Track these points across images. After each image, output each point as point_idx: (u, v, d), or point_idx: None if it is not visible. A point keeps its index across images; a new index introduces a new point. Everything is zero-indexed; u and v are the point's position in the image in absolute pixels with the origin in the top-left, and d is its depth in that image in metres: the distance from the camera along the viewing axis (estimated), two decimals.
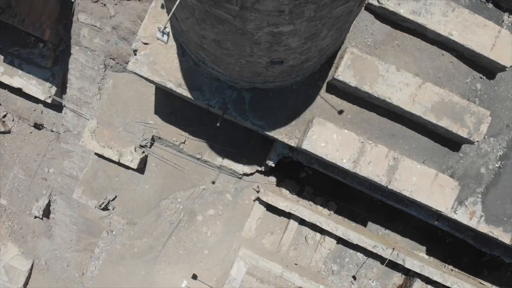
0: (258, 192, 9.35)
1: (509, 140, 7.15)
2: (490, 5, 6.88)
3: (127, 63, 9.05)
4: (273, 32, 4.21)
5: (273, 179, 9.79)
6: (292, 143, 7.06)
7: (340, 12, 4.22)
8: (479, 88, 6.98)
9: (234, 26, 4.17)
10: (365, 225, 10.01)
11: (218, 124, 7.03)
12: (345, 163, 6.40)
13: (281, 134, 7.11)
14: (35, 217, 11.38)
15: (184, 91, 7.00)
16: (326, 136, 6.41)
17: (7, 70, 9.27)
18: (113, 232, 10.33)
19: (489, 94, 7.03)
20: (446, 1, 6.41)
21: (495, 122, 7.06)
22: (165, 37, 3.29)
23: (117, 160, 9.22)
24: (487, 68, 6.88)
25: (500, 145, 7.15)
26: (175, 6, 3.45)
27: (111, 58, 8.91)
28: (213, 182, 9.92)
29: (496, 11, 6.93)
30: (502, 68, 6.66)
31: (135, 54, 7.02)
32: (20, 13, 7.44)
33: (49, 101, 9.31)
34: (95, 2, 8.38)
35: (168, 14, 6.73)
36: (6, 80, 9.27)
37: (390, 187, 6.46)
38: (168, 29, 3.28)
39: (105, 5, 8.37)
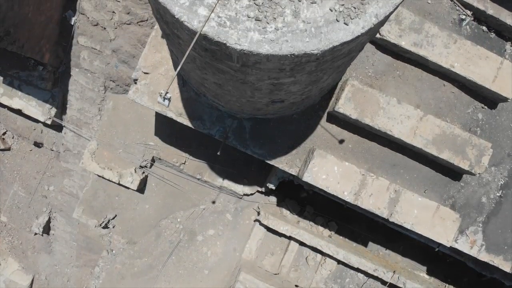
0: (258, 214, 9.34)
1: (510, 169, 7.13)
2: (493, 35, 6.84)
3: (127, 85, 9.03)
4: (273, 83, 4.19)
5: (273, 199, 9.78)
6: (293, 171, 7.03)
7: (341, 62, 4.20)
8: (480, 118, 6.95)
9: (235, 77, 4.15)
10: (366, 245, 10.02)
11: (218, 153, 7.02)
12: (346, 196, 6.38)
13: (281, 163, 7.08)
14: (35, 233, 11.39)
15: (185, 121, 6.97)
16: (327, 168, 6.39)
17: (6, 91, 9.23)
18: (113, 251, 10.32)
19: (490, 124, 7.00)
20: (448, 33, 6.37)
21: (496, 151, 7.04)
22: (166, 101, 3.27)
23: (117, 182, 9.21)
24: (488, 98, 6.86)
25: (502, 174, 7.13)
26: (181, 64, 3.42)
27: (111, 80, 8.87)
28: (213, 202, 9.92)
29: (499, 41, 6.90)
30: (504, 99, 6.63)
31: (135, 83, 6.99)
32: (19, 39, 7.40)
33: (49, 122, 9.28)
34: (94, 25, 8.34)
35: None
36: (6, 101, 9.24)
37: (391, 219, 6.44)
38: (170, 95, 3.26)
39: (105, 28, 8.33)
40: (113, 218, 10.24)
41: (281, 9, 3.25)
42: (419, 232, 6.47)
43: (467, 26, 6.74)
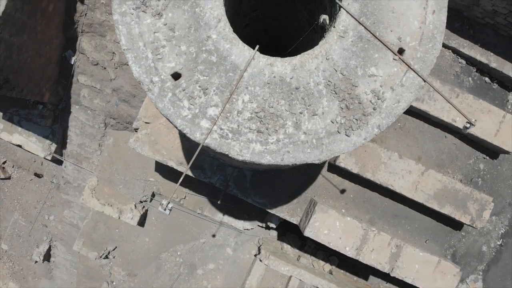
0: (259, 251, 9.33)
1: (511, 218, 7.13)
2: (495, 85, 6.80)
3: (128, 122, 8.99)
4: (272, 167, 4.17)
5: (274, 233, 9.78)
6: (294, 221, 7.03)
7: None
8: (482, 168, 6.93)
9: (235, 161, 4.13)
10: (366, 278, 10.02)
11: (219, 202, 7.01)
12: (348, 252, 6.38)
13: (282, 212, 7.07)
14: (36, 261, 11.40)
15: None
16: (329, 223, 6.38)
17: (6, 127, 9.20)
18: (114, 283, 10.34)
19: (492, 174, 6.98)
20: (450, 87, 6.34)
21: (497, 201, 7.03)
22: (167, 211, 3.26)
23: (117, 218, 9.20)
24: (490, 149, 6.83)
25: (502, 223, 7.12)
26: (192, 159, 3.39)
27: (111, 118, 8.84)
28: (214, 236, 9.91)
29: (501, 91, 6.86)
30: (506, 152, 6.60)
31: (135, 131, 6.96)
32: (18, 85, 7.36)
33: (49, 158, 9.26)
34: (95, 65, 8.29)
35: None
36: (6, 137, 9.21)
37: (392, 274, 6.44)
38: (171, 205, 3.24)
39: (105, 68, 8.28)
40: (113, 250, 10.24)
41: (282, 121, 3.22)
42: (420, 287, 6.47)
43: (470, 78, 6.71)
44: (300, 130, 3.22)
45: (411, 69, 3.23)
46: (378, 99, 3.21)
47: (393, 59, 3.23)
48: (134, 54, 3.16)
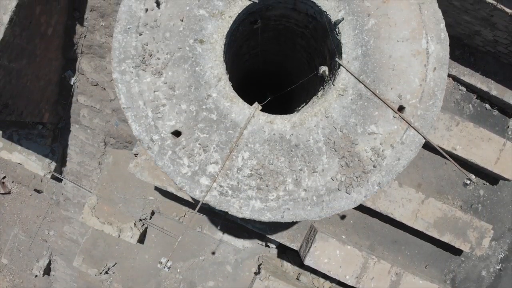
0: (259, 269, 9.34)
1: (510, 243, 7.12)
2: (496, 112, 6.79)
3: (127, 142, 8.98)
4: None
5: (274, 250, 9.79)
6: (294, 246, 7.03)
7: None
8: (482, 194, 6.92)
9: None
10: None
11: (218, 228, 7.01)
12: (348, 280, 6.38)
13: (282, 238, 7.08)
14: (36, 276, 11.42)
15: (185, 195, 6.96)
16: (329, 252, 6.38)
17: (5, 145, 9.19)
18: None
19: (492, 200, 6.98)
20: (450, 115, 6.33)
21: (497, 226, 7.03)
22: (166, 269, 3.26)
23: (117, 236, 9.20)
24: (490, 175, 6.82)
25: (502, 248, 7.12)
26: (197, 207, 3.37)
27: (111, 137, 8.83)
28: (213, 253, 9.92)
29: (502, 117, 6.85)
30: (506, 179, 6.59)
31: (135, 156, 6.96)
32: (17, 108, 7.35)
33: (48, 176, 9.25)
34: (94, 85, 8.28)
35: None
36: (5, 155, 9.19)
37: None
38: (170, 263, 3.24)
39: (104, 89, 8.27)
40: (113, 266, 10.25)
41: (282, 178, 3.22)
42: None
43: (470, 105, 6.70)
44: (300, 187, 3.22)
45: (412, 127, 3.22)
46: (378, 156, 3.20)
47: (393, 116, 3.22)
48: (134, 113, 3.15)
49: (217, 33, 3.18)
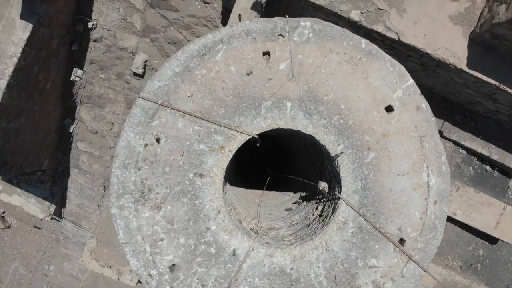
0: None
1: None
2: (496, 173, 6.77)
3: None
4: None
5: None
6: None
7: None
8: (481, 254, 6.92)
9: None
10: None
11: None
12: None
13: None
14: None
15: None
16: None
17: (5, 188, 9.18)
18: None
19: (491, 259, 6.98)
20: (450, 181, 6.30)
21: (496, 284, 7.03)
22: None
23: (116, 280, 9.22)
24: (490, 236, 6.82)
25: None
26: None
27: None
28: None
29: (502, 178, 6.83)
30: (506, 243, 6.59)
31: None
32: (16, 163, 7.33)
33: (48, 219, 9.25)
34: (94, 133, 8.25)
35: None
36: (5, 198, 9.19)
37: None
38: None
39: (104, 136, 8.24)
40: None
41: None
42: None
43: (470, 167, 6.68)
44: None
45: (412, 260, 3.20)
46: None
47: (394, 249, 3.20)
48: (132, 248, 3.13)
49: (217, 166, 3.16)
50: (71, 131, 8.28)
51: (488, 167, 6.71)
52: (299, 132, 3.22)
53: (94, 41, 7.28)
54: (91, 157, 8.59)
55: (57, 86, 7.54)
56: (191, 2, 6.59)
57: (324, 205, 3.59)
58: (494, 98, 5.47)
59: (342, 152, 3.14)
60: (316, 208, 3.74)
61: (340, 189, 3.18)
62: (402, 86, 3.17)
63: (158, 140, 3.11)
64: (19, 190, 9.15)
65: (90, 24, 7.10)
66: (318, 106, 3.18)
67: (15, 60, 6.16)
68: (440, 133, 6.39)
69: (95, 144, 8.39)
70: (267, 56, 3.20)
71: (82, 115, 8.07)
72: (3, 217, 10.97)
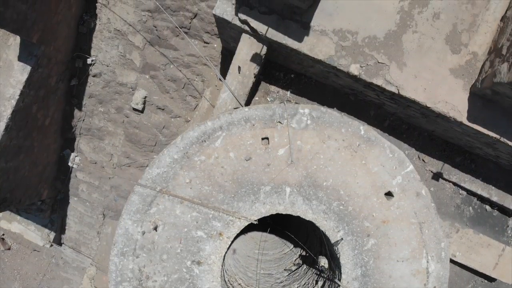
0: None
1: None
2: (496, 212, 6.76)
3: None
4: None
5: None
6: None
7: None
8: None
9: None
10: None
11: None
12: None
13: None
14: None
15: None
16: None
17: (5, 215, 9.18)
18: None
19: None
20: (450, 222, 6.31)
21: None
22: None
23: None
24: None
25: None
26: None
27: (110, 210, 8.81)
28: None
29: (502, 217, 6.82)
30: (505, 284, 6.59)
31: None
32: (15, 198, 7.32)
33: (48, 246, 9.25)
34: (93, 163, 8.24)
35: None
36: (5, 225, 9.20)
37: None
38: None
39: (103, 167, 8.23)
40: None
41: None
42: None
43: (470, 207, 6.67)
44: None
45: None
46: None
47: None
48: None
49: (215, 254, 3.14)
50: (70, 164, 8.26)
51: (488, 207, 6.70)
52: (298, 217, 3.21)
53: (93, 76, 7.24)
54: (90, 187, 8.58)
55: (56, 120, 7.52)
56: (191, 41, 6.56)
57: (324, 283, 3.58)
58: (494, 147, 5.45)
59: (342, 239, 3.12)
60: (316, 282, 3.74)
61: (340, 275, 3.16)
62: (401, 172, 3.16)
63: (155, 228, 3.10)
64: (18, 217, 9.16)
65: (89, 60, 7.07)
66: (318, 191, 3.16)
67: (13, 102, 6.13)
68: (440, 175, 6.38)
69: (94, 174, 8.38)
70: (266, 141, 3.18)
71: (81, 146, 8.06)
72: (3, 239, 10.98)
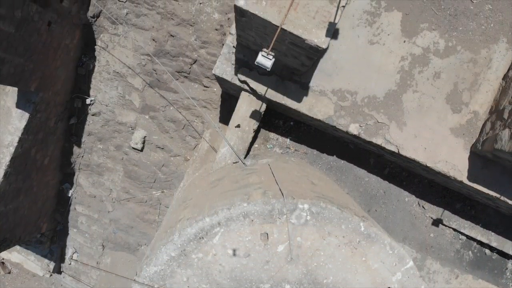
0: None
1: None
2: (495, 255, 6.75)
3: (126, 247, 8.96)
4: None
5: None
6: None
7: None
8: None
9: None
10: None
11: None
12: None
13: None
14: None
15: None
16: None
17: None
18: None
19: None
20: (449, 268, 6.30)
21: None
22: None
23: None
24: None
25: None
26: None
27: (109, 242, 8.81)
28: None
29: (501, 260, 6.81)
30: None
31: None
32: (15, 236, 7.32)
33: (47, 276, 9.26)
34: (92, 197, 8.23)
35: None
36: (5, 255, 9.20)
37: None
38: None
39: (102, 201, 8.22)
40: None
41: None
42: None
43: (470, 252, 6.66)
44: None
45: None
46: None
47: None
48: None
49: None
50: (69, 195, 8.25)
51: (487, 251, 6.69)
52: None
53: (93, 115, 7.21)
54: (89, 219, 8.57)
55: (55, 157, 7.49)
56: (190, 85, 6.52)
57: None
58: (494, 202, 5.44)
59: None
60: None
61: None
62: (401, 269, 3.14)
63: None
64: (18, 247, 9.15)
65: (88, 100, 7.03)
66: None
67: (12, 149, 6.11)
68: (440, 221, 6.36)
69: (94, 208, 8.37)
70: (265, 237, 3.16)
71: (80, 181, 8.04)
72: (3, 263, 10.99)
